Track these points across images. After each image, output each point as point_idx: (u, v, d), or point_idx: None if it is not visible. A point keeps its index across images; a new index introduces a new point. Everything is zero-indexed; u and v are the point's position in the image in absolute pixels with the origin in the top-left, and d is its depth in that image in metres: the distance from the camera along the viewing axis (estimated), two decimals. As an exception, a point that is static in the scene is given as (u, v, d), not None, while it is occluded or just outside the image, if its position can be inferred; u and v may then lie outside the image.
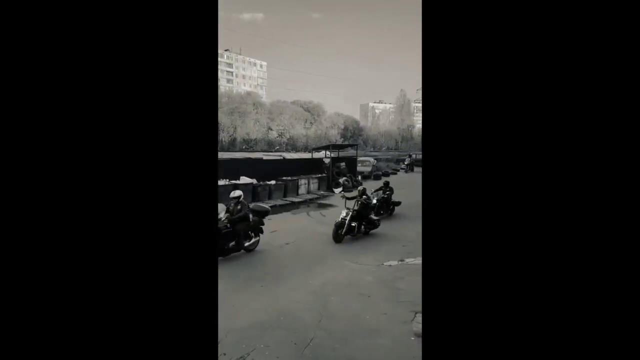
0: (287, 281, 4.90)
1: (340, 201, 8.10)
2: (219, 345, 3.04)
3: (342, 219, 7.12)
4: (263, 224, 6.52)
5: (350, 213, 7.10)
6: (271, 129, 37.51)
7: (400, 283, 4.88)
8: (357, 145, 24.98)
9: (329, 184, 14.25)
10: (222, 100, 34.66)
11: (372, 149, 41.35)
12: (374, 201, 8.96)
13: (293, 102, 42.92)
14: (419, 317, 3.87)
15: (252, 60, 66.87)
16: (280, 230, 7.81)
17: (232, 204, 6.07)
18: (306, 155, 19.23)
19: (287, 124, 38.30)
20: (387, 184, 10.07)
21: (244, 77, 64.88)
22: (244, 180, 11.02)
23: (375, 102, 73.97)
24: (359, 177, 16.58)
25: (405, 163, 25.17)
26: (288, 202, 11.38)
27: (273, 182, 11.77)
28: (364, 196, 7.65)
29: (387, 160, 28.29)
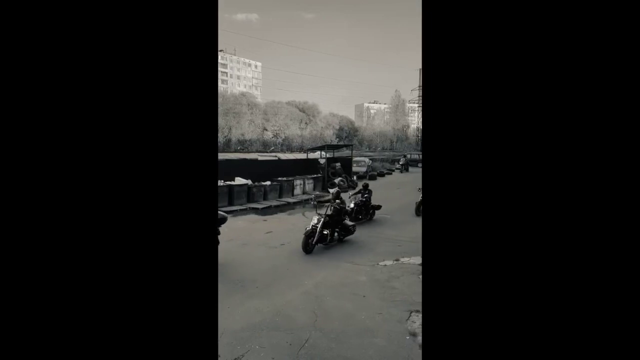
0: (283, 282, 4.89)
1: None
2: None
3: (312, 226, 6.33)
4: (219, 233, 5.50)
5: (323, 219, 6.39)
6: (266, 130, 37.41)
7: (395, 282, 4.90)
8: (352, 145, 24.99)
9: (325, 184, 14.26)
10: (216, 100, 34.12)
11: (367, 149, 41.41)
12: (352, 205, 8.47)
13: (288, 103, 42.83)
14: (414, 317, 3.89)
15: (246, 60, 66.67)
16: (275, 231, 7.80)
17: None
18: (301, 156, 19.21)
19: (282, 125, 38.23)
20: (366, 186, 9.37)
21: (238, 77, 64.66)
22: (239, 181, 10.98)
23: (370, 103, 74.19)
24: (355, 177, 16.61)
25: (400, 163, 25.25)
26: (284, 202, 11.36)
27: (268, 182, 11.74)
28: (338, 200, 7.05)
29: (382, 160, 28.36)
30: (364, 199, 8.88)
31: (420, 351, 3.22)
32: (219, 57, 59.68)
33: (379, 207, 9.28)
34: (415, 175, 12.09)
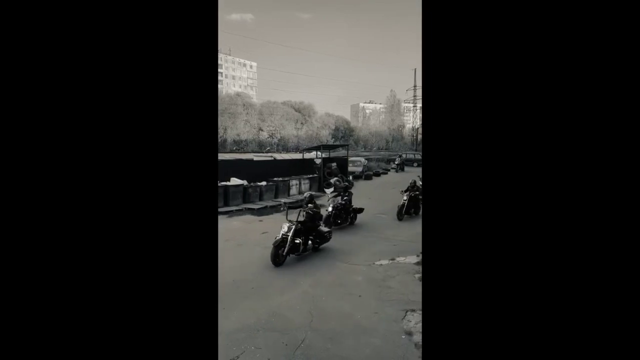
0: (278, 282, 4.88)
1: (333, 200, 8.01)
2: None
3: (282, 235, 5.53)
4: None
5: (294, 227, 5.60)
6: (262, 130, 37.33)
7: (390, 282, 4.91)
8: (348, 145, 25.06)
9: (320, 185, 14.26)
10: (212, 101, 34.01)
11: (363, 149, 41.51)
12: (330, 208, 7.74)
13: (284, 103, 42.80)
14: (410, 316, 3.90)
15: (241, 60, 66.47)
16: (271, 231, 7.76)
17: None
18: (297, 156, 19.19)
19: (278, 125, 38.17)
20: (346, 188, 8.62)
21: (233, 77, 64.45)
22: (235, 181, 10.94)
23: (365, 103, 74.35)
24: (350, 177, 16.63)
25: (396, 163, 25.33)
26: (279, 203, 11.34)
27: (264, 183, 11.72)
28: (310, 204, 6.26)
29: (378, 160, 28.43)
30: (344, 202, 8.05)
31: (416, 350, 3.23)
32: (214, 57, 59.35)
33: (360, 210, 8.56)
34: (410, 175, 12.11)
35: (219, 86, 56.22)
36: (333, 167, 15.53)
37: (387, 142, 46.62)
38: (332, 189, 9.31)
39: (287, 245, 5.50)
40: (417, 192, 9.31)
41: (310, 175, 14.15)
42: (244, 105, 38.12)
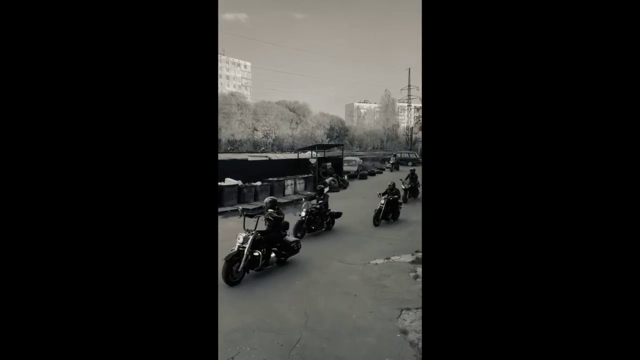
0: (274, 282, 4.87)
1: (328, 200, 7.88)
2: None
3: (238, 247, 4.65)
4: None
5: (252, 237, 4.72)
6: (256, 130, 37.20)
7: (385, 280, 4.93)
8: (343, 145, 25.10)
9: (316, 184, 14.26)
10: (206, 101, 33.79)
11: (358, 149, 41.54)
12: (302, 213, 6.95)
13: (278, 103, 42.67)
14: (405, 315, 3.92)
15: (235, 60, 66.14)
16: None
17: None
18: (292, 156, 19.18)
19: (273, 125, 38.07)
20: (321, 190, 7.92)
21: (227, 77, 64.11)
22: (229, 181, 10.89)
23: (360, 102, 74.46)
24: (346, 177, 16.65)
25: (391, 162, 25.43)
26: (274, 203, 11.30)
27: (259, 183, 11.68)
28: (271, 210, 5.30)
29: (373, 159, 28.48)
30: (319, 206, 7.29)
31: (411, 349, 3.25)
32: (208, 57, 59.00)
33: (338, 214, 7.82)
34: (405, 174, 12.15)
35: (213, 86, 55.79)
36: (328, 167, 15.54)
37: (382, 141, 46.74)
38: (327, 189, 9.16)
39: (242, 260, 4.57)
40: (397, 196, 8.61)
41: (306, 175, 14.14)
42: (239, 105, 37.96)
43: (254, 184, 11.50)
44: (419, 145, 36.90)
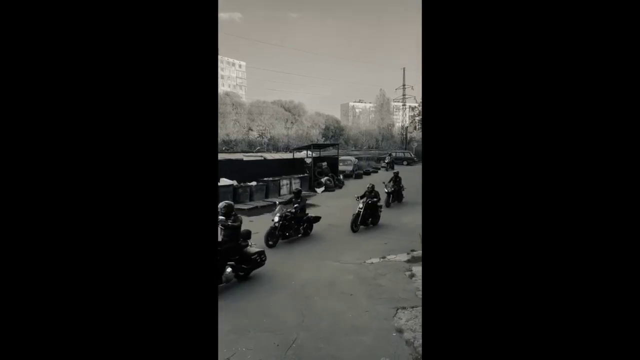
0: (269, 282, 4.86)
1: (323, 199, 7.75)
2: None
3: None
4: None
5: None
6: (251, 130, 37.07)
7: (381, 280, 4.94)
8: (338, 144, 25.12)
9: (311, 184, 14.26)
10: (200, 100, 33.57)
11: (353, 148, 41.58)
12: (275, 218, 6.49)
13: (273, 102, 42.56)
14: (400, 313, 3.93)
15: (230, 60, 65.90)
16: (262, 232, 7.73)
17: None
18: (287, 156, 19.14)
19: (268, 124, 37.95)
20: (298, 192, 7.33)
21: (222, 77, 63.82)
22: (224, 181, 10.85)
23: (355, 102, 74.60)
24: (341, 176, 16.68)
25: (386, 161, 25.53)
26: (270, 202, 11.29)
27: (254, 183, 11.65)
28: (224, 218, 4.57)
29: (368, 159, 28.59)
30: (294, 210, 6.84)
31: (407, 347, 3.27)
32: (202, 56, 58.65)
33: (317, 218, 7.41)
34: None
35: (208, 85, 55.49)
36: (324, 167, 15.55)
37: (377, 141, 46.83)
38: (322, 188, 9.06)
39: None
40: (376, 199, 8.03)
41: (301, 175, 14.14)
42: (233, 104, 37.80)
43: (249, 184, 11.47)
44: (414, 145, 37.06)
